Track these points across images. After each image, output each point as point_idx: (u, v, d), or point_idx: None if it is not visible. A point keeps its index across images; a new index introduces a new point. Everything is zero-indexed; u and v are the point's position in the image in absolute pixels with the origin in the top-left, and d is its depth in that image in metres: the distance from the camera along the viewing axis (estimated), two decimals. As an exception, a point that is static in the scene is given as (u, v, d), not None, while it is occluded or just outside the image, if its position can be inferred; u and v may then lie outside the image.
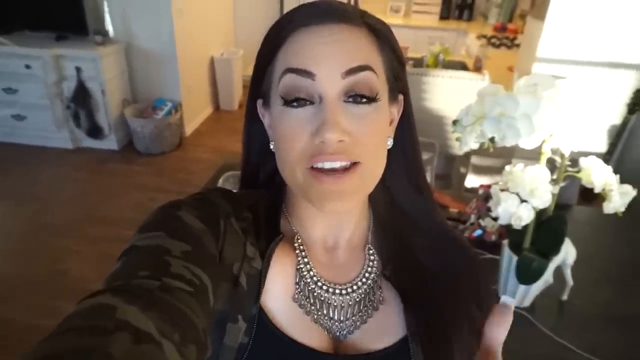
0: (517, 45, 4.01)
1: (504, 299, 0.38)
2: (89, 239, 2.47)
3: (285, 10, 0.48)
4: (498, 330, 0.37)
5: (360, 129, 0.45)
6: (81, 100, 3.17)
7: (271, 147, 0.52)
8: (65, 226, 2.58)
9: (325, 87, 0.44)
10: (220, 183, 1.35)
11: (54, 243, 2.44)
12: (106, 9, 3.26)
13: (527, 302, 1.08)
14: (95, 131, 3.29)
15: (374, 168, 0.48)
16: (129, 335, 0.30)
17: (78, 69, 3.09)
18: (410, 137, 0.55)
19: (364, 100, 0.45)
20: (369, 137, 0.45)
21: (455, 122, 0.88)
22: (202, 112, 4.05)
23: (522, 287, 1.05)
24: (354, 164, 0.45)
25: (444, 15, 4.69)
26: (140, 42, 3.37)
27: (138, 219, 0.45)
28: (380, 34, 0.48)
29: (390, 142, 0.52)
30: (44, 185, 2.99)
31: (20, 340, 1.85)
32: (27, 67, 3.07)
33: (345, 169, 0.44)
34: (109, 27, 3.31)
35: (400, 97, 0.53)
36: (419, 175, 0.56)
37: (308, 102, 0.45)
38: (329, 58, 0.44)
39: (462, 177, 2.07)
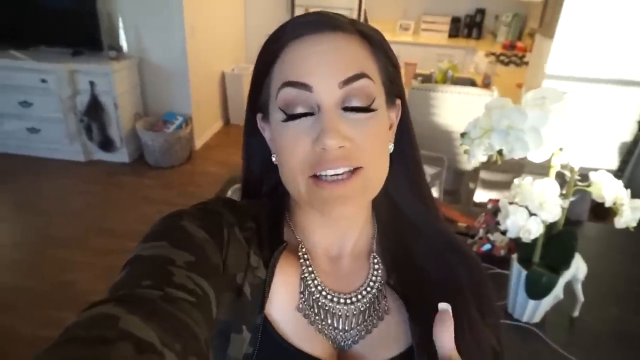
0: (526, 63, 4.03)
1: (441, 305, 0.38)
2: (96, 251, 2.48)
3: None
4: (445, 338, 0.37)
5: (360, 134, 0.45)
6: (94, 113, 3.22)
7: (273, 159, 0.52)
8: (73, 238, 2.59)
9: (323, 97, 0.44)
10: (228, 195, 1.36)
11: (61, 254, 2.45)
12: (120, 24, 3.33)
13: (537, 318, 1.06)
14: (107, 144, 3.34)
15: (376, 172, 0.48)
16: (132, 345, 0.30)
17: (92, 83, 3.15)
18: (409, 141, 0.55)
19: (362, 110, 0.45)
20: (370, 141, 0.46)
21: (463, 135, 0.89)
22: (212, 126, 4.09)
23: (531, 303, 1.03)
24: (357, 169, 0.45)
25: (453, 34, 4.73)
26: (153, 57, 3.44)
27: (145, 231, 0.45)
28: (373, 40, 0.48)
29: (391, 147, 0.52)
30: (53, 197, 3.03)
31: (23, 351, 1.85)
32: (43, 81, 3.14)
33: (347, 177, 0.45)
34: (123, 42, 3.38)
35: (398, 101, 0.53)
36: (419, 180, 0.56)
37: (308, 114, 0.45)
38: (324, 69, 0.44)
39: (471, 193, 2.06)
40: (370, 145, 0.46)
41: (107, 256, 2.43)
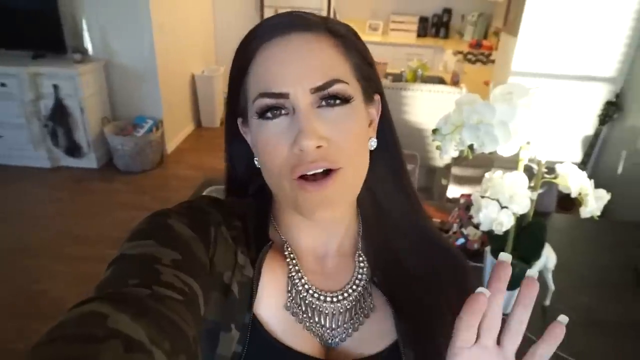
0: (492, 61, 4.14)
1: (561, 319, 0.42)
2: (67, 259, 2.40)
3: None
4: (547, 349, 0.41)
5: (337, 133, 0.45)
6: (59, 118, 3.12)
7: (256, 163, 0.52)
8: (43, 246, 2.50)
9: (298, 100, 0.44)
10: (202, 197, 1.34)
11: (31, 264, 2.37)
12: (85, 26, 3.24)
13: (510, 308, 1.09)
14: (73, 150, 3.24)
15: (356, 172, 0.48)
16: (120, 343, 0.30)
17: (56, 87, 3.05)
18: (391, 136, 0.55)
19: (337, 102, 0.45)
20: (348, 140, 0.46)
21: (435, 131, 0.90)
22: (183, 129, 4.03)
23: (506, 293, 1.06)
24: (336, 170, 0.45)
25: (421, 33, 4.81)
26: (120, 59, 3.36)
27: (119, 237, 0.44)
28: (344, 38, 0.48)
29: (374, 143, 0.52)
30: (19, 205, 2.92)
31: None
32: (2, 85, 3.02)
33: (326, 173, 0.44)
34: (88, 44, 3.29)
35: (377, 97, 0.53)
36: (402, 175, 0.56)
37: (282, 111, 0.45)
38: (296, 76, 0.44)
39: (444, 189, 2.10)
40: (348, 144, 0.45)
41: (80, 264, 2.36)
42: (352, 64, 0.48)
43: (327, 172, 0.45)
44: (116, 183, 3.23)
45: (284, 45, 0.45)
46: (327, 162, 0.44)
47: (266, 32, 0.46)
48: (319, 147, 0.44)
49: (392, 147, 0.55)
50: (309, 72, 0.44)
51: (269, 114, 0.45)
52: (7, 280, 2.27)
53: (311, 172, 0.44)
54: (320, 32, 0.46)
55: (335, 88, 0.45)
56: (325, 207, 0.45)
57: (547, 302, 1.13)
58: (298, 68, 0.44)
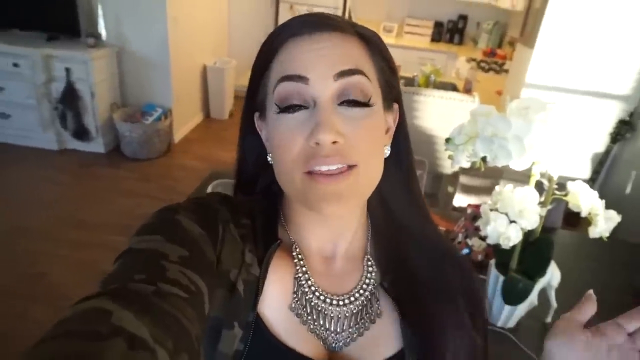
0: (505, 71, 4.11)
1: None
2: (69, 244, 2.41)
3: (280, 23, 0.50)
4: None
5: (354, 131, 0.45)
6: (69, 101, 3.12)
7: (269, 159, 0.52)
8: (45, 229, 2.51)
9: (319, 91, 0.44)
10: (208, 191, 1.34)
11: (32, 247, 2.37)
12: (100, 12, 3.24)
13: (512, 323, 1.08)
14: (81, 133, 3.24)
15: (370, 171, 0.47)
16: (124, 341, 0.30)
17: (68, 70, 3.05)
18: (405, 146, 0.55)
19: (358, 103, 0.45)
20: (364, 140, 0.46)
21: (448, 140, 0.90)
22: (192, 119, 4.03)
23: (507, 308, 1.05)
24: (350, 167, 0.45)
25: (436, 38, 4.80)
26: (133, 46, 3.36)
27: (122, 224, 0.44)
28: (371, 42, 0.49)
29: (387, 151, 0.52)
30: (24, 186, 2.92)
31: (-9, 345, 1.78)
32: (15, 65, 3.03)
33: (341, 172, 0.44)
34: (102, 30, 3.29)
35: (396, 106, 0.53)
36: (413, 186, 0.56)
37: (302, 108, 0.45)
38: (320, 62, 0.45)
39: (450, 196, 2.09)
40: (364, 143, 0.45)
41: (81, 249, 2.37)
42: (376, 67, 0.49)
43: (341, 171, 0.44)
44: (122, 169, 3.23)
45: (311, 40, 0.46)
46: (341, 158, 0.44)
47: (294, 28, 0.47)
48: (334, 142, 0.44)
49: (404, 156, 0.55)
50: (334, 60, 0.45)
51: (288, 108, 0.45)
52: (7, 262, 2.28)
53: (325, 169, 0.44)
54: (348, 33, 0.47)
55: (358, 79, 0.45)
56: (334, 201, 0.44)
57: (549, 320, 1.12)
58: (322, 57, 0.45)
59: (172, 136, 3.62)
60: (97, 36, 3.22)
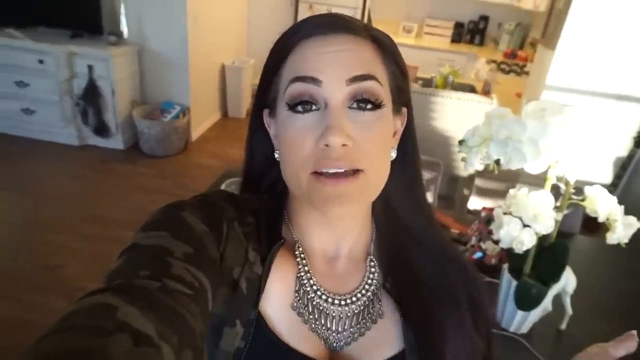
0: (526, 73, 4.04)
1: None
2: (85, 237, 2.46)
3: None
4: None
5: (364, 135, 0.45)
6: (91, 98, 3.19)
7: (276, 156, 0.52)
8: (63, 222, 2.57)
9: (331, 93, 0.45)
10: (222, 189, 1.34)
11: (50, 239, 2.43)
12: (122, 10, 3.30)
13: (525, 329, 1.06)
14: (102, 129, 3.31)
15: (376, 177, 0.48)
16: (129, 337, 0.30)
17: (90, 67, 3.12)
18: (412, 150, 0.55)
19: (369, 106, 0.46)
20: (373, 144, 0.46)
21: (461, 142, 0.88)
22: (209, 117, 4.07)
23: (520, 313, 1.03)
24: (357, 172, 0.45)
25: (456, 39, 4.74)
26: (153, 45, 3.41)
27: (137, 220, 0.45)
28: (385, 46, 0.49)
29: (394, 154, 0.52)
30: (45, 180, 3.00)
31: (8, 335, 1.83)
32: (40, 62, 3.11)
33: (347, 175, 0.45)
34: (124, 28, 3.35)
35: (404, 109, 0.54)
36: (418, 189, 0.56)
37: (313, 107, 0.45)
38: (334, 65, 0.45)
39: (465, 199, 2.07)
40: (372, 148, 0.46)
41: (97, 242, 2.42)
42: (389, 72, 0.49)
43: (348, 174, 0.45)
44: (139, 166, 3.29)
45: (325, 41, 0.46)
46: (350, 162, 0.44)
47: (309, 28, 0.47)
48: (344, 145, 0.44)
49: (410, 159, 0.55)
50: (347, 65, 0.45)
51: (299, 108, 0.46)
52: (26, 253, 2.34)
53: (332, 171, 0.44)
54: (362, 36, 0.47)
55: (371, 84, 0.45)
56: (339, 203, 0.45)
57: (564, 327, 1.09)
58: (336, 61, 0.45)
59: (190, 134, 3.66)
60: (119, 34, 3.28)
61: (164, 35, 3.37)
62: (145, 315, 0.32)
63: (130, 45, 3.32)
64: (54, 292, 2.07)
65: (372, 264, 0.55)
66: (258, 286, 0.48)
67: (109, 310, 0.31)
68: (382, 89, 0.47)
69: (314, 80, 0.44)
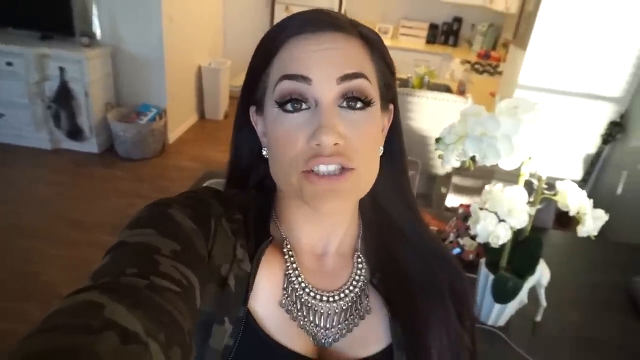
0: (499, 73, 4.13)
1: None
2: (61, 243, 2.40)
3: (276, 24, 0.49)
4: None
5: (355, 134, 0.45)
6: (63, 101, 3.11)
7: (264, 153, 0.52)
8: (38, 228, 2.50)
9: (321, 92, 0.44)
10: (201, 190, 1.33)
11: (25, 245, 2.36)
12: (95, 11, 3.23)
13: (502, 322, 1.09)
14: (75, 133, 3.23)
15: (367, 174, 0.48)
16: (116, 334, 0.29)
17: (62, 70, 3.04)
18: (399, 146, 0.56)
19: (359, 105, 0.46)
20: (364, 142, 0.46)
21: (438, 140, 0.90)
22: (186, 120, 4.02)
23: (497, 306, 1.06)
24: (348, 170, 0.45)
25: (430, 40, 4.82)
26: (128, 46, 3.35)
27: (115, 224, 0.44)
28: (373, 43, 0.49)
29: (380, 150, 0.52)
30: (17, 185, 2.91)
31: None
32: (9, 64, 3.01)
33: (337, 175, 0.45)
34: (97, 29, 3.28)
35: (391, 106, 0.54)
36: (405, 185, 0.57)
37: (303, 105, 0.45)
38: (324, 64, 0.45)
39: (443, 197, 2.10)
40: (363, 146, 0.46)
41: (75, 248, 2.36)
42: (377, 68, 0.49)
43: (340, 172, 0.45)
44: (116, 169, 3.22)
45: (313, 39, 0.46)
46: (342, 158, 0.44)
47: (297, 25, 0.46)
48: (336, 144, 0.44)
49: (397, 156, 0.56)
50: (337, 63, 0.45)
51: (289, 107, 0.45)
52: (3, 260, 2.27)
53: (323, 168, 0.44)
54: (350, 33, 0.47)
55: (361, 82, 0.45)
56: (332, 197, 0.45)
57: (539, 318, 1.13)
58: (325, 59, 0.45)
59: (167, 136, 3.61)
60: (92, 35, 3.21)
61: (139, 36, 3.31)
62: (132, 313, 0.32)
63: (103, 46, 3.26)
64: (29, 299, 2.01)
65: (360, 260, 0.55)
66: (247, 284, 0.48)
67: (96, 308, 0.31)
68: (371, 87, 0.47)
69: (304, 79, 0.44)
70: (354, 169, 0.45)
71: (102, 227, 2.51)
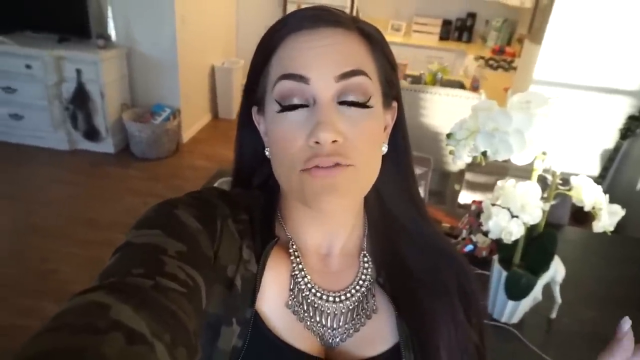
0: (514, 68, 4.08)
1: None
2: (79, 242, 2.45)
3: None
4: None
5: (354, 131, 0.45)
6: (80, 102, 3.17)
7: (266, 153, 0.52)
8: (56, 228, 2.55)
9: (319, 90, 0.44)
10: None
11: (43, 244, 2.42)
12: (110, 13, 3.29)
13: (515, 319, 1.08)
14: (92, 134, 3.29)
15: (367, 172, 0.48)
16: (122, 335, 0.30)
17: (78, 71, 3.10)
18: (403, 144, 0.55)
19: (359, 102, 0.45)
20: (363, 140, 0.45)
21: (449, 136, 0.90)
22: (200, 119, 4.06)
23: (510, 303, 1.05)
24: (348, 166, 0.45)
25: (444, 36, 4.77)
26: (142, 47, 3.40)
27: (130, 223, 0.44)
28: (373, 39, 0.49)
29: (385, 148, 0.52)
30: (36, 185, 2.97)
31: (2, 341, 1.82)
32: (28, 67, 3.08)
33: (336, 167, 0.44)
34: (112, 31, 3.33)
35: (394, 104, 0.53)
36: (410, 183, 0.56)
37: (302, 104, 0.45)
38: (322, 62, 0.44)
39: (456, 194, 2.09)
40: (363, 144, 0.45)
41: (91, 247, 2.40)
42: (377, 65, 0.49)
43: (335, 165, 0.44)
44: (131, 169, 3.27)
45: (312, 36, 0.45)
46: (340, 157, 0.44)
47: (295, 22, 0.46)
48: (334, 142, 0.44)
49: (402, 153, 0.55)
50: (335, 60, 0.44)
51: (288, 106, 0.45)
52: (19, 258, 2.33)
53: (323, 166, 0.44)
54: (350, 29, 0.47)
55: (360, 79, 0.45)
56: (331, 193, 0.44)
57: (554, 315, 1.11)
58: (323, 56, 0.44)
59: (181, 136, 3.65)
60: (107, 37, 3.27)
61: (153, 37, 3.35)
62: (138, 314, 0.32)
63: (118, 48, 3.31)
64: (48, 297, 2.06)
65: (366, 259, 0.55)
66: (253, 285, 0.48)
67: (102, 309, 0.31)
68: (371, 84, 0.46)
69: (302, 78, 0.44)
70: (352, 165, 0.45)
71: (118, 226, 2.55)
